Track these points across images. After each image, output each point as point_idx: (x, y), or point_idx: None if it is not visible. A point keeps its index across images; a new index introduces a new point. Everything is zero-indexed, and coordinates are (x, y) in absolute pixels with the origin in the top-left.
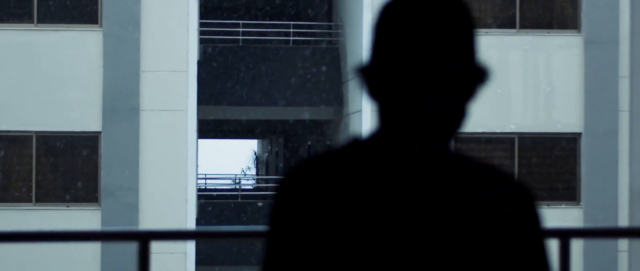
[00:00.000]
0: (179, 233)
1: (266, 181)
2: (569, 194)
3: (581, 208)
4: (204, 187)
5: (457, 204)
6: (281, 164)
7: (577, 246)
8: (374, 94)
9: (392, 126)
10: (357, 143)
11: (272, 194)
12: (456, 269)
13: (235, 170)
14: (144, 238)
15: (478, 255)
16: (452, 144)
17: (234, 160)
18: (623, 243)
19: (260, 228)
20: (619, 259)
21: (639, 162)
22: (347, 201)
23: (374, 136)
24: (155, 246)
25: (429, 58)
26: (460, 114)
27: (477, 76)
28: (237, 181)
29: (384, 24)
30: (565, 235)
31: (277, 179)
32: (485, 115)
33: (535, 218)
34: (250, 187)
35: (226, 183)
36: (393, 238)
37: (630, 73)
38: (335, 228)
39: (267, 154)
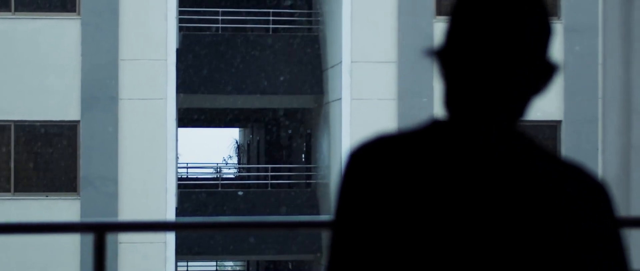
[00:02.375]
0: (135, 224)
1: (247, 169)
2: None
3: None
4: (185, 176)
5: (531, 195)
6: (262, 154)
7: None
8: (445, 76)
9: (459, 111)
10: (433, 125)
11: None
12: (527, 261)
13: (218, 159)
14: (100, 230)
15: (550, 248)
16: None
17: (216, 149)
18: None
19: (222, 219)
20: None
21: (611, 151)
22: (418, 184)
23: (445, 121)
24: (135, 237)
25: (501, 49)
26: (523, 106)
27: (546, 72)
28: (219, 170)
29: (462, 10)
30: None
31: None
32: None
33: (610, 212)
34: (232, 176)
35: (208, 172)
36: (464, 225)
37: (603, 61)
38: (404, 211)
39: (248, 142)
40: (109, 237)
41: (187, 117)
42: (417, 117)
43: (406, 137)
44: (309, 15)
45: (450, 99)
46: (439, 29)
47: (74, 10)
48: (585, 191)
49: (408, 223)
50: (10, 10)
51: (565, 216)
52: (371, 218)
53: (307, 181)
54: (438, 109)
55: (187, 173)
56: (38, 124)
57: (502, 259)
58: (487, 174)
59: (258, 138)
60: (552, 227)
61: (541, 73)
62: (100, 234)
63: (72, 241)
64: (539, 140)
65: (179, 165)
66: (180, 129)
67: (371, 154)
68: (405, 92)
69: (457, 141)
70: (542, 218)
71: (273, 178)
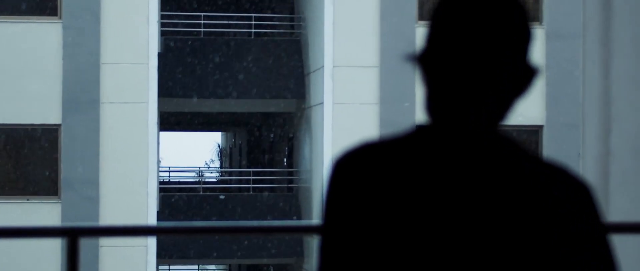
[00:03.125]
0: (108, 229)
1: (229, 173)
2: None
3: None
4: (167, 179)
5: (509, 192)
6: (244, 157)
7: None
8: (426, 81)
9: (442, 117)
10: (417, 131)
11: (328, 180)
12: (507, 260)
13: (200, 163)
14: (72, 235)
15: (538, 249)
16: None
17: (198, 153)
18: None
19: (200, 223)
20: None
21: (591, 157)
22: (398, 184)
23: (428, 127)
24: (116, 240)
25: (481, 53)
26: (505, 107)
27: (527, 75)
28: (201, 174)
29: (442, 14)
30: None
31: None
32: None
33: (593, 213)
34: (214, 179)
35: (190, 176)
36: (452, 227)
37: (582, 68)
38: (391, 217)
39: (230, 146)
40: (90, 241)
41: (169, 121)
42: (400, 122)
43: (390, 144)
44: (291, 19)
45: (432, 104)
46: (420, 33)
47: (56, 14)
48: (571, 191)
49: (396, 229)
50: None
51: (552, 217)
52: (359, 224)
53: (289, 185)
54: (420, 114)
55: (169, 176)
56: (19, 127)
57: (491, 261)
58: (472, 178)
59: (240, 142)
60: (540, 228)
61: (522, 76)
62: (72, 239)
63: (55, 244)
64: (522, 143)
65: (160, 169)
66: (162, 133)
67: (355, 162)
68: (388, 97)
69: (441, 146)
70: (529, 220)
71: (255, 182)
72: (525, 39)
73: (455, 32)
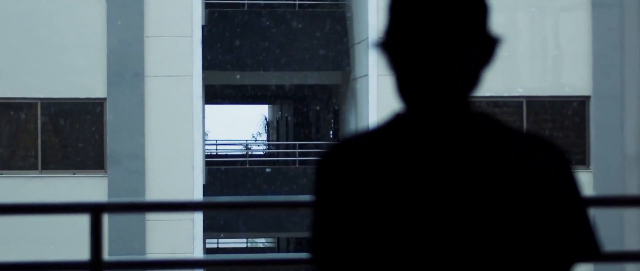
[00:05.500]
0: (130, 205)
1: (276, 146)
2: (578, 158)
3: (591, 171)
4: (215, 153)
5: (488, 167)
6: (290, 130)
7: None
8: (392, 66)
9: (414, 100)
10: (395, 118)
11: (312, 166)
12: (495, 231)
13: (248, 136)
14: (95, 211)
15: (515, 214)
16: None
17: (246, 126)
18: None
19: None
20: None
21: (631, 128)
22: (381, 170)
23: (405, 113)
24: (162, 214)
25: (441, 29)
26: (473, 80)
27: (489, 44)
28: (248, 147)
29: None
30: None
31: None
32: (492, 78)
33: (571, 177)
34: (261, 153)
35: (237, 149)
36: (430, 204)
37: (621, 39)
38: (372, 196)
39: (277, 119)
40: (136, 216)
41: (216, 94)
42: None
43: (370, 134)
44: None
45: (402, 89)
46: None
47: None
48: (546, 160)
49: (382, 213)
50: None
51: (529, 186)
52: (348, 212)
53: None
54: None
55: (216, 149)
56: (64, 101)
57: (474, 235)
58: (451, 157)
59: (287, 115)
60: (518, 197)
61: (484, 47)
62: (95, 215)
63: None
64: (496, 116)
65: (208, 142)
66: (209, 106)
67: (337, 157)
68: None
69: (418, 130)
70: (507, 190)
71: (301, 154)
72: (482, 10)
73: (413, 13)
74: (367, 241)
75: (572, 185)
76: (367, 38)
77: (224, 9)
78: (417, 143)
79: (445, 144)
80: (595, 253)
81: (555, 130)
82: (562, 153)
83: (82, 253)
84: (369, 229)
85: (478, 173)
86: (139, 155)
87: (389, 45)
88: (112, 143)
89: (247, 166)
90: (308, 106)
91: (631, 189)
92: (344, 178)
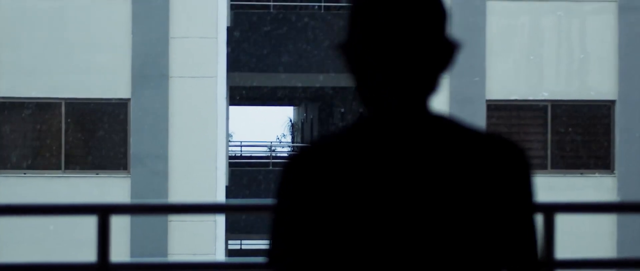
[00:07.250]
0: (139, 207)
1: None
2: (602, 162)
3: (615, 176)
4: (239, 154)
5: (447, 168)
6: (315, 132)
7: (611, 218)
8: (352, 70)
9: (372, 100)
10: (359, 121)
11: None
12: (450, 232)
13: (273, 138)
14: (103, 212)
15: (468, 216)
16: (484, 114)
17: (271, 127)
18: None
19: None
20: None
21: None
22: (340, 174)
23: (368, 116)
24: (185, 215)
25: (401, 34)
26: (432, 84)
27: (447, 49)
28: (272, 148)
29: (358, 3)
30: (549, 210)
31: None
32: (517, 82)
33: (525, 179)
34: (286, 154)
35: (262, 150)
36: (388, 206)
37: None
38: (332, 198)
39: (302, 120)
40: (159, 217)
41: (241, 96)
42: (469, 96)
43: (335, 138)
44: None
45: (363, 92)
46: (490, 6)
47: None
48: (502, 158)
49: (339, 214)
50: None
51: (480, 184)
52: (308, 214)
53: None
54: (490, 88)
55: (240, 151)
56: (89, 101)
57: (432, 233)
58: (411, 158)
59: (312, 116)
60: (468, 195)
61: (443, 52)
62: (103, 216)
63: (123, 219)
64: (457, 118)
65: (232, 143)
66: (234, 108)
67: (303, 160)
68: (457, 69)
69: (379, 132)
70: (458, 189)
71: None
72: (441, 16)
73: (374, 18)
74: (322, 243)
75: (524, 187)
76: None
77: (249, 11)
78: (377, 146)
79: (404, 148)
80: (528, 263)
81: (579, 134)
82: (519, 154)
83: (114, 254)
84: (326, 231)
85: (431, 174)
86: (162, 156)
87: (349, 49)
88: (136, 143)
89: (271, 167)
90: (332, 108)
91: None
92: (306, 181)
